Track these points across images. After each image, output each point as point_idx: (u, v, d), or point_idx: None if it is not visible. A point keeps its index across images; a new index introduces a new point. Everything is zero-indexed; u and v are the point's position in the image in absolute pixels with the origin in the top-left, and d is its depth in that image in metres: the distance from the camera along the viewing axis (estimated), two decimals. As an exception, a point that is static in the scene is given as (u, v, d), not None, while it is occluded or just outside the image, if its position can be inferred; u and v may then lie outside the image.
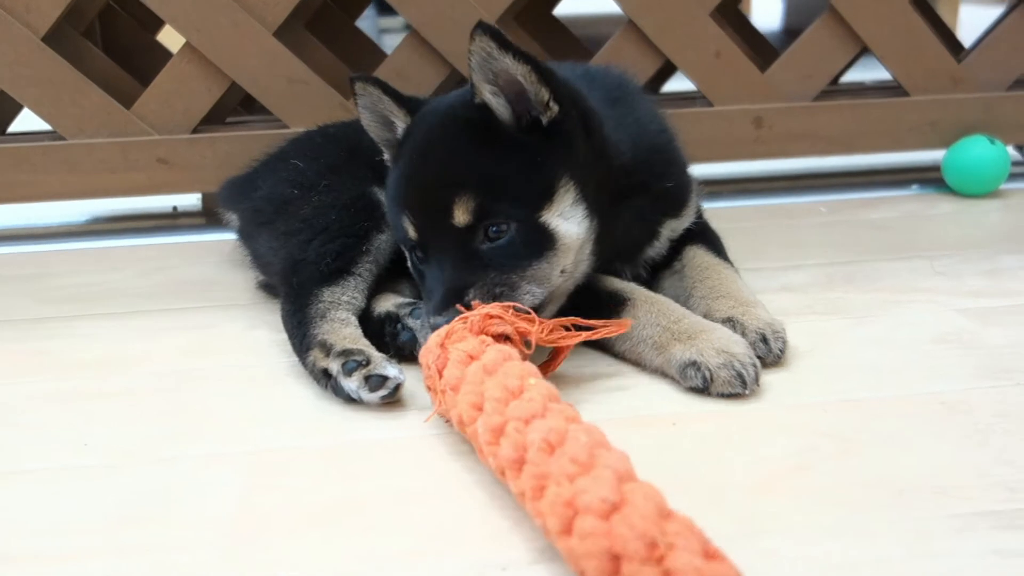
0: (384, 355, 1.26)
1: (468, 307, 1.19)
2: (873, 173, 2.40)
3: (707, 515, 0.85)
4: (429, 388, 1.14)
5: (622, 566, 0.75)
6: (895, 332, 1.40)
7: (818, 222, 2.03)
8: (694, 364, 1.20)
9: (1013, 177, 2.18)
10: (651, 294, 1.34)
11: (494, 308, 1.16)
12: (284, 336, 1.42)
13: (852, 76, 2.42)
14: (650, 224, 1.46)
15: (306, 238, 1.47)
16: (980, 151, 2.09)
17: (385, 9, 5.40)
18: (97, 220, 2.25)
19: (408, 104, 1.37)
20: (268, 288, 1.68)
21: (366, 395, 1.21)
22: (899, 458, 1.05)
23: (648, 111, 1.50)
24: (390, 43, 2.46)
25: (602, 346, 1.34)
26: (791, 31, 4.35)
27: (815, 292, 1.58)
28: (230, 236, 1.94)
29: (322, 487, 1.05)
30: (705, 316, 1.32)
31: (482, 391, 1.01)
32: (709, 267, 1.44)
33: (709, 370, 1.19)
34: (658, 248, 1.49)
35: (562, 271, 1.27)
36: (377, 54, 2.30)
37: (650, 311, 1.30)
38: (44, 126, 2.04)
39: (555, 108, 1.25)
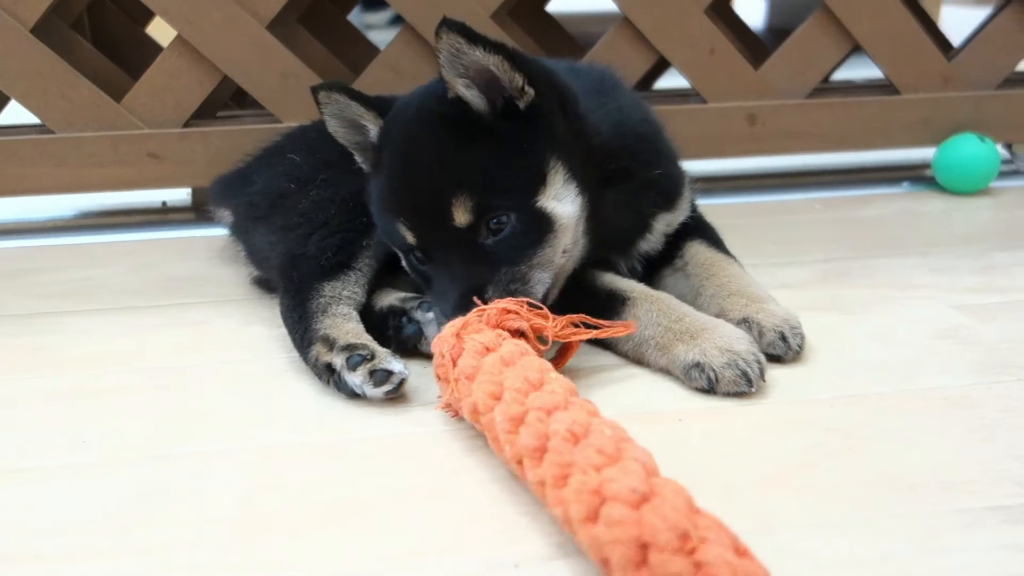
0: (388, 350, 1.26)
1: (485, 304, 1.18)
2: (863, 171, 2.42)
3: (717, 511, 0.84)
4: (440, 377, 1.14)
5: (650, 555, 0.75)
6: (895, 328, 1.41)
7: (812, 219, 2.03)
8: (698, 365, 1.20)
9: (1002, 175, 2.20)
10: (651, 292, 1.34)
11: (509, 303, 1.16)
12: (281, 332, 1.41)
13: (841, 74, 2.43)
14: (641, 216, 1.45)
15: (305, 232, 1.46)
16: (971, 149, 2.10)
17: (370, 5, 5.37)
18: (84, 215, 2.22)
19: (377, 106, 1.35)
20: (262, 284, 1.67)
21: (370, 390, 1.20)
22: (906, 454, 1.05)
23: (631, 102, 1.50)
24: (375, 39, 2.43)
25: (606, 345, 1.33)
26: (774, 30, 4.36)
27: (813, 289, 1.59)
28: (220, 232, 1.92)
29: (326, 485, 1.04)
30: (718, 316, 1.32)
31: (501, 381, 1.01)
32: (714, 264, 1.44)
33: (714, 371, 1.19)
34: (652, 242, 1.48)
35: (563, 251, 1.28)
36: (369, 49, 2.29)
37: (651, 310, 1.29)
38: (32, 119, 2.00)
39: (531, 92, 1.25)
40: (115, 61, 2.14)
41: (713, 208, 1.95)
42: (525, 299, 1.19)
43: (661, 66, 2.31)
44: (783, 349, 1.27)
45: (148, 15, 2.38)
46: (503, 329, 1.14)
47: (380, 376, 1.20)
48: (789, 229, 1.96)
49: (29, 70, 1.90)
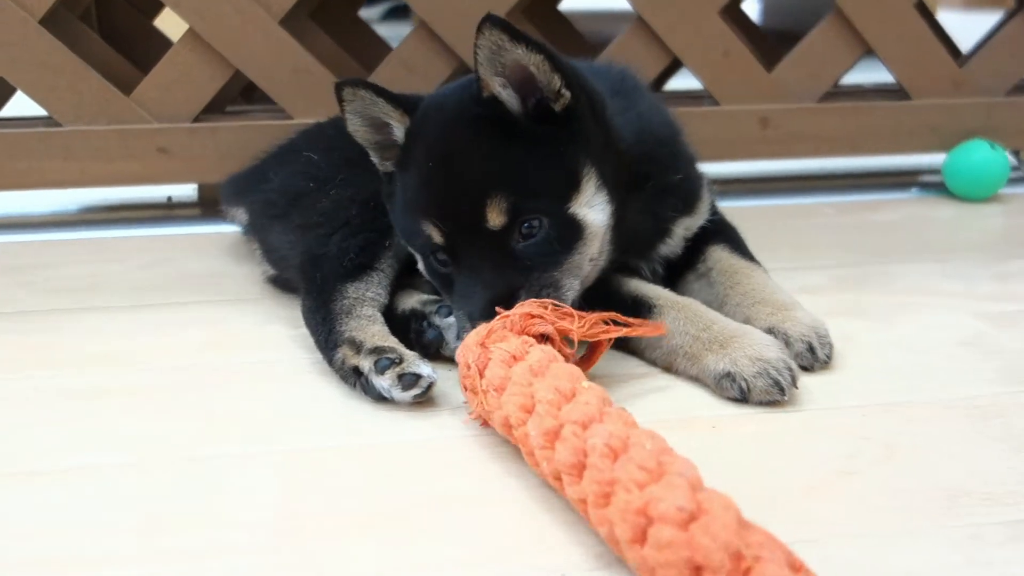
0: (415, 353, 1.24)
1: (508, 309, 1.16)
2: (871, 175, 2.42)
3: (760, 521, 0.84)
4: (467, 388, 1.12)
5: None
6: (917, 336, 1.41)
7: (824, 223, 2.04)
8: (729, 375, 1.19)
9: (1011, 182, 2.21)
10: (677, 298, 1.33)
11: (533, 307, 1.14)
12: (301, 332, 1.40)
13: (849, 78, 2.43)
14: (661, 220, 1.44)
15: (326, 232, 1.44)
16: (982, 155, 2.11)
17: (366, -1, 5.34)
18: (88, 209, 2.19)
19: (405, 104, 1.31)
20: (277, 283, 1.65)
21: (398, 394, 1.19)
22: (944, 464, 1.05)
23: (651, 105, 1.49)
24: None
25: (636, 352, 1.33)
26: (767, 30, 4.36)
27: (832, 294, 1.58)
28: (229, 228, 1.91)
29: (363, 491, 1.02)
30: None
31: (532, 393, 0.99)
32: (738, 271, 1.43)
33: (745, 380, 1.18)
34: (672, 246, 1.47)
35: (591, 259, 1.27)
36: (380, 46, 2.27)
37: (678, 317, 1.28)
38: (38, 111, 1.98)
39: (567, 95, 1.23)
40: (123, 54, 2.11)
41: (724, 210, 1.95)
42: (550, 300, 1.17)
43: (672, 67, 2.30)
44: (810, 360, 1.27)
45: (156, 8, 2.35)
46: (528, 335, 1.12)
47: (409, 380, 1.19)
48: (802, 233, 1.96)
49: (37, 61, 1.88)
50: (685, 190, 1.46)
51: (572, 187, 1.23)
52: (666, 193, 1.42)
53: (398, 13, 5.54)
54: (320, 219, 1.46)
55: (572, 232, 1.23)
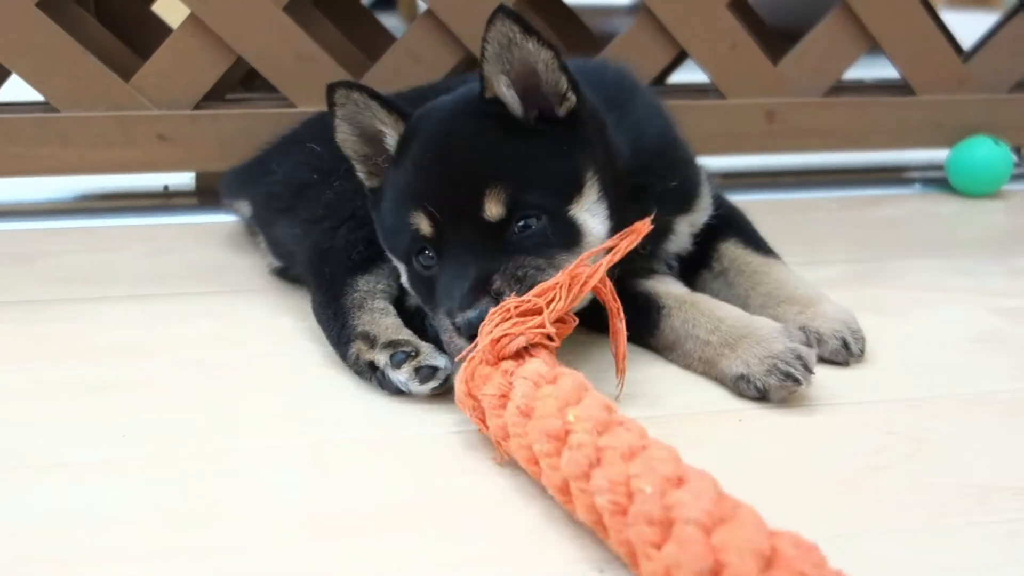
0: (431, 344, 1.22)
1: (497, 298, 1.10)
2: (873, 170, 2.42)
3: (792, 516, 0.83)
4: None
5: None
6: (933, 331, 1.40)
7: (829, 218, 2.03)
8: (743, 377, 1.18)
9: (1013, 178, 2.21)
10: (686, 297, 1.31)
11: (495, 324, 1.05)
12: (311, 324, 1.38)
13: (852, 74, 2.42)
14: (661, 222, 1.37)
15: (331, 225, 1.42)
16: (986, 152, 2.11)
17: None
18: (85, 197, 2.15)
19: (399, 110, 1.26)
20: (282, 275, 1.62)
21: (416, 387, 1.17)
22: (973, 459, 1.04)
23: (646, 111, 1.44)
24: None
25: (656, 351, 1.31)
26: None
27: (845, 289, 1.57)
28: (228, 218, 1.88)
29: (389, 485, 1.01)
30: None
31: (530, 444, 0.93)
32: (756, 270, 1.40)
33: (759, 380, 1.17)
34: (679, 243, 1.44)
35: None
36: (384, 34, 2.24)
37: (687, 319, 1.26)
38: (35, 96, 1.93)
39: (572, 98, 1.21)
40: (120, 39, 2.07)
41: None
42: (513, 303, 1.08)
43: (676, 60, 2.28)
44: (845, 356, 1.26)
45: (154, -8, 2.31)
46: (505, 359, 1.03)
47: (425, 373, 1.17)
48: (809, 228, 1.95)
49: (34, 45, 1.83)
50: (682, 191, 1.42)
51: (575, 189, 1.20)
52: (661, 199, 1.37)
53: (385, 3, 5.51)
54: (325, 212, 1.44)
55: (571, 234, 1.19)
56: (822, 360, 1.26)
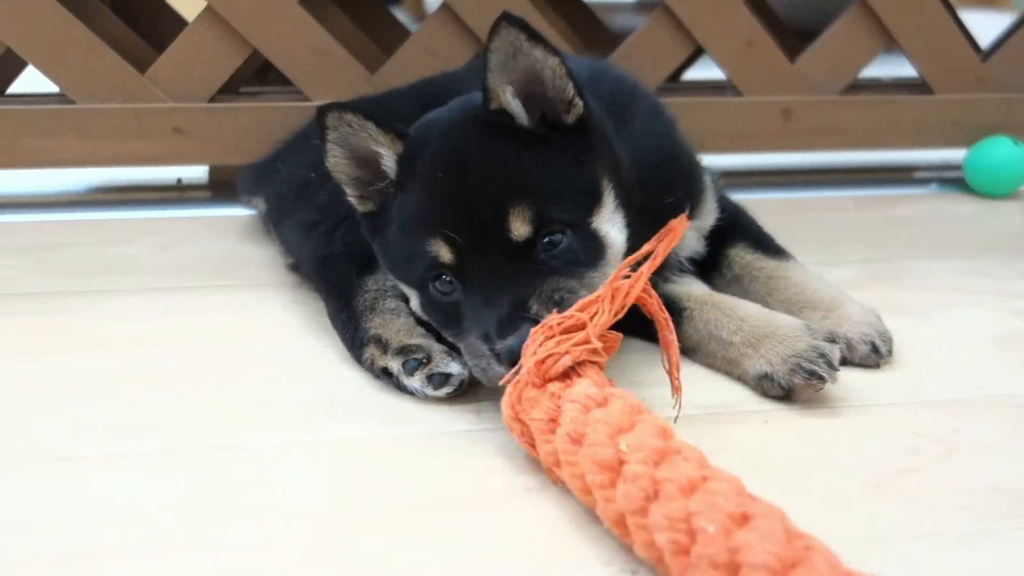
0: (444, 347, 1.20)
1: (535, 321, 1.06)
2: (889, 169, 2.40)
3: (827, 520, 0.83)
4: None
5: None
6: (956, 332, 1.39)
7: (846, 217, 2.02)
8: (767, 377, 1.17)
9: (1031, 179, 2.20)
10: (706, 297, 1.30)
11: (539, 344, 1.01)
12: (326, 320, 1.36)
13: (868, 72, 2.41)
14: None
15: (327, 230, 1.40)
16: (1005, 152, 2.09)
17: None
18: (98, 190, 2.14)
19: (396, 129, 1.19)
20: (298, 269, 1.61)
21: (431, 392, 1.16)
22: (1005, 463, 1.03)
23: (644, 122, 1.38)
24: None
25: (682, 352, 1.29)
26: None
27: (864, 289, 1.55)
28: (242, 211, 1.87)
29: (410, 481, 1.00)
30: None
31: (582, 473, 0.88)
32: (771, 275, 1.38)
33: (783, 379, 1.16)
34: (690, 246, 1.41)
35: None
36: (399, 28, 2.23)
37: (708, 321, 1.25)
38: (50, 88, 1.92)
39: (579, 104, 1.17)
40: (135, 31, 2.06)
41: (744, 203, 1.93)
42: (556, 319, 1.03)
43: (692, 56, 2.27)
44: (875, 360, 1.24)
45: (168, -16, 2.29)
46: (552, 380, 0.99)
47: (438, 380, 1.16)
48: (825, 227, 1.94)
49: (51, 36, 1.82)
50: (682, 202, 1.35)
51: (595, 200, 1.16)
52: (663, 211, 1.33)
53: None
54: (319, 216, 1.42)
55: (595, 248, 1.15)
56: (851, 364, 1.24)
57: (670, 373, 1.09)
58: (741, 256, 1.43)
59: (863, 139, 2.16)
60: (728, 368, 1.24)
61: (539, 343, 1.01)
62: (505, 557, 0.88)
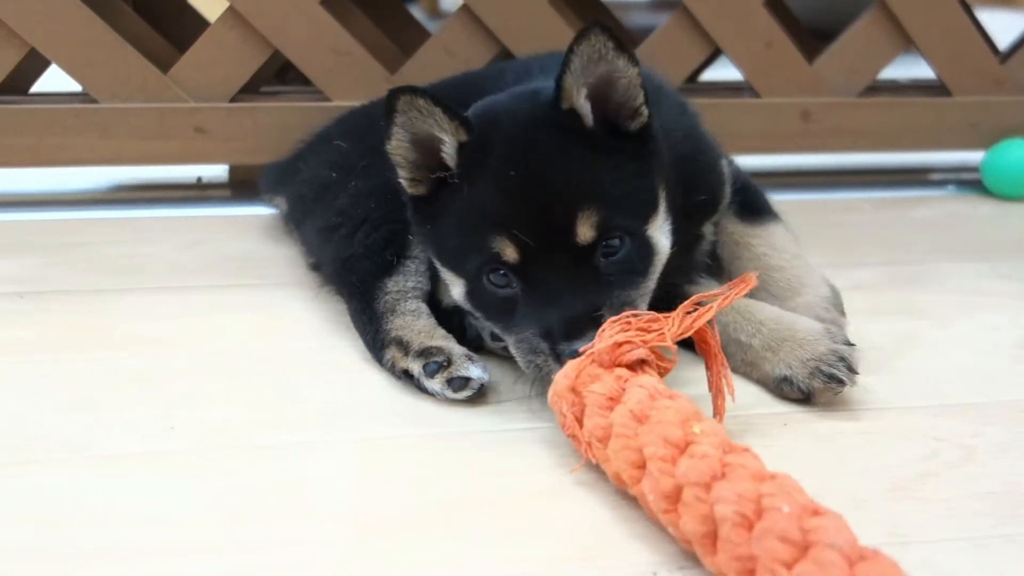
0: (465, 349, 1.22)
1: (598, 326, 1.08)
2: (906, 171, 2.40)
3: (849, 523, 0.83)
4: (570, 435, 1.03)
5: None
6: (977, 336, 1.40)
7: (863, 219, 2.02)
8: (787, 379, 1.18)
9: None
10: None
11: (616, 331, 1.03)
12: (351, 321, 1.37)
13: (885, 74, 2.41)
14: (693, 234, 1.39)
15: (347, 232, 1.41)
16: (1022, 154, 2.09)
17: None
18: (121, 188, 2.16)
19: (461, 118, 1.18)
20: (319, 269, 1.62)
21: (451, 395, 1.17)
22: (1024, 467, 1.04)
23: (672, 118, 1.39)
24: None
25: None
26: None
27: (884, 292, 1.57)
28: (262, 210, 1.89)
29: (439, 483, 1.01)
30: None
31: (639, 446, 0.90)
32: (738, 241, 1.37)
33: (803, 382, 1.17)
34: (708, 242, 1.43)
35: (652, 290, 1.21)
36: (418, 29, 2.24)
37: (727, 325, 1.25)
38: (73, 87, 1.94)
39: (645, 112, 1.19)
40: (157, 31, 2.08)
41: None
42: (630, 313, 1.08)
43: (710, 57, 2.27)
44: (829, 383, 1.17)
45: (189, -16, 2.31)
46: (621, 366, 1.02)
47: (458, 383, 1.17)
48: (843, 229, 1.94)
49: (75, 36, 1.84)
50: (708, 202, 1.40)
51: (652, 208, 1.19)
52: (696, 209, 1.37)
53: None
54: (339, 219, 1.43)
55: (648, 256, 1.18)
56: None
57: (715, 405, 1.10)
58: (725, 220, 1.43)
59: (881, 141, 2.16)
60: (747, 370, 1.24)
61: (616, 331, 1.03)
62: (530, 557, 0.89)
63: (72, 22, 1.83)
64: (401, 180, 1.26)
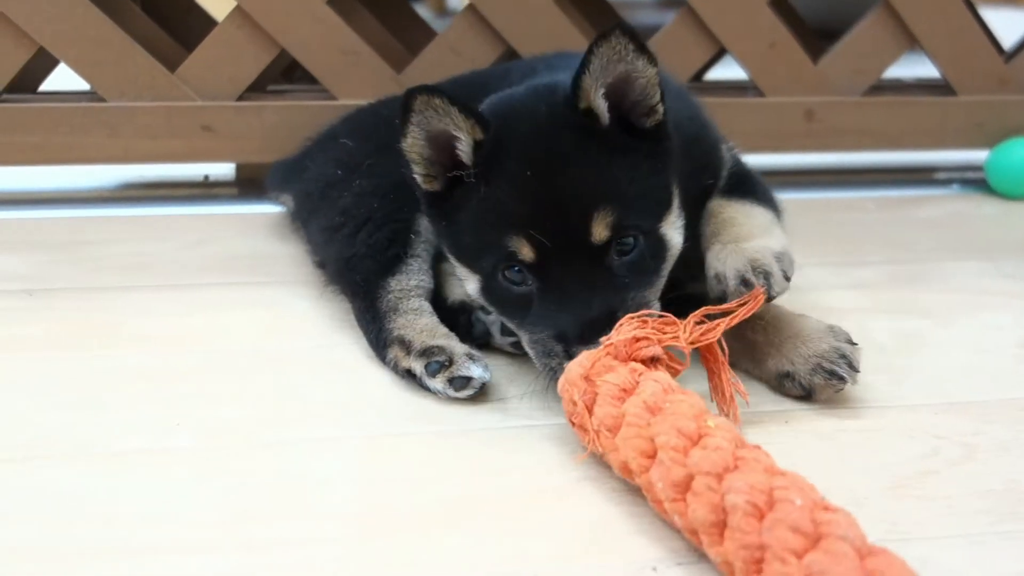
0: (466, 348, 1.22)
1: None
2: (909, 170, 2.40)
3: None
4: (576, 425, 1.04)
5: None
6: (980, 335, 1.40)
7: (867, 218, 2.02)
8: (788, 376, 1.19)
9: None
10: None
11: (634, 327, 1.05)
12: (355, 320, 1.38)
13: (890, 73, 2.41)
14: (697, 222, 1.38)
15: (350, 232, 1.42)
16: (1027, 153, 2.09)
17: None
18: (127, 186, 2.17)
19: (477, 116, 1.18)
20: (324, 268, 1.64)
21: (452, 394, 1.18)
22: (1024, 465, 1.05)
23: (681, 111, 1.38)
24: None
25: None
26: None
27: (887, 291, 1.58)
28: (269, 208, 1.90)
29: (443, 481, 1.02)
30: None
31: (651, 435, 0.91)
32: (712, 211, 1.34)
33: (804, 378, 1.18)
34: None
35: (663, 287, 1.23)
36: (424, 28, 2.25)
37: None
38: (81, 86, 1.95)
39: (660, 111, 1.20)
40: (164, 29, 2.09)
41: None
42: (645, 312, 1.10)
43: (715, 57, 2.28)
44: (741, 293, 1.17)
45: (197, -17, 2.32)
46: (636, 361, 1.03)
47: (459, 383, 1.18)
48: (847, 228, 1.94)
49: (83, 35, 1.85)
50: (716, 181, 1.41)
51: (665, 206, 1.20)
52: (703, 194, 1.38)
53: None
54: (342, 218, 1.44)
55: (660, 254, 1.20)
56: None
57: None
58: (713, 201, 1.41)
59: (886, 140, 2.17)
60: (749, 366, 1.25)
61: (634, 327, 1.05)
62: (530, 554, 0.90)
63: (80, 21, 1.84)
64: (415, 176, 1.26)
